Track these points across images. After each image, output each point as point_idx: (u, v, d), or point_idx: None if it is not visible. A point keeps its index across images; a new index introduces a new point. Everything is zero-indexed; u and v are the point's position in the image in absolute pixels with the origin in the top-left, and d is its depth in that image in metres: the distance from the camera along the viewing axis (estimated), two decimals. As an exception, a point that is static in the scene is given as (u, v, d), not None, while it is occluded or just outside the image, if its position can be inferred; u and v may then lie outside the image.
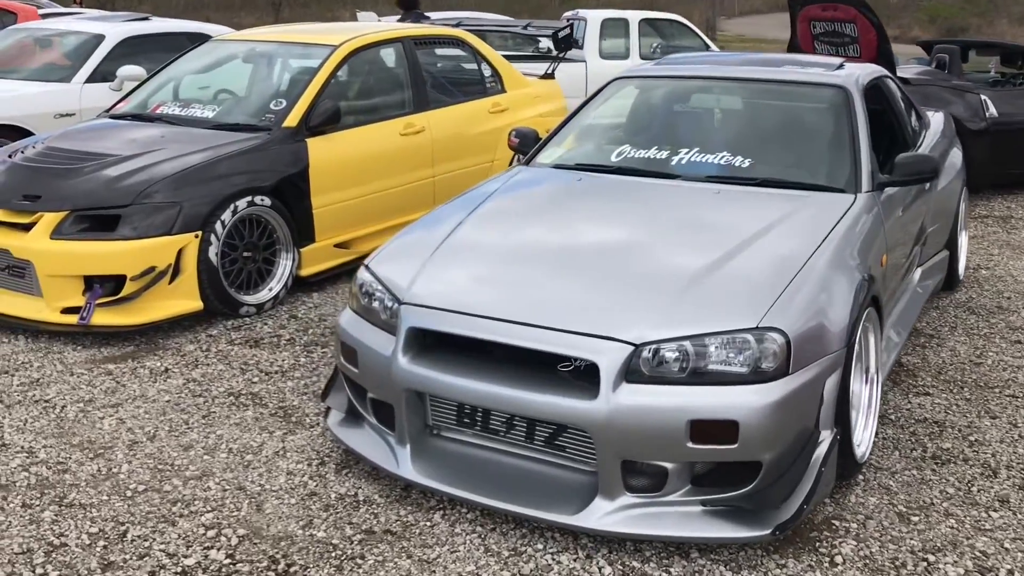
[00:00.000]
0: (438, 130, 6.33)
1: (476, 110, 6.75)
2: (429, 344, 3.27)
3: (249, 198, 5.07)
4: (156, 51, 8.30)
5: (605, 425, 2.88)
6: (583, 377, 3.00)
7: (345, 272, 5.74)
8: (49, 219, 4.72)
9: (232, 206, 4.98)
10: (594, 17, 11.38)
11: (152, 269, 4.70)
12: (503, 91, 7.07)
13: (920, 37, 24.79)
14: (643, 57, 11.43)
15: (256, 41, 6.33)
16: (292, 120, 5.45)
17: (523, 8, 37.58)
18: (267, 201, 5.17)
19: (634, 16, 11.54)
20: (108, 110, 6.12)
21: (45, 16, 13.49)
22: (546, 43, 9.61)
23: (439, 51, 6.82)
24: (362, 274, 3.59)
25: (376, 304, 3.44)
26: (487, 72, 7.02)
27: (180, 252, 4.78)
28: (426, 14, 10.07)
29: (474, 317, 3.15)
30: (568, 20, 12.20)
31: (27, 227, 4.77)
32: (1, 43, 8.24)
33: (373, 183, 5.89)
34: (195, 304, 4.89)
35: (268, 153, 5.27)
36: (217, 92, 6.01)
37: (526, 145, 4.76)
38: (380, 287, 3.46)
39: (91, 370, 4.41)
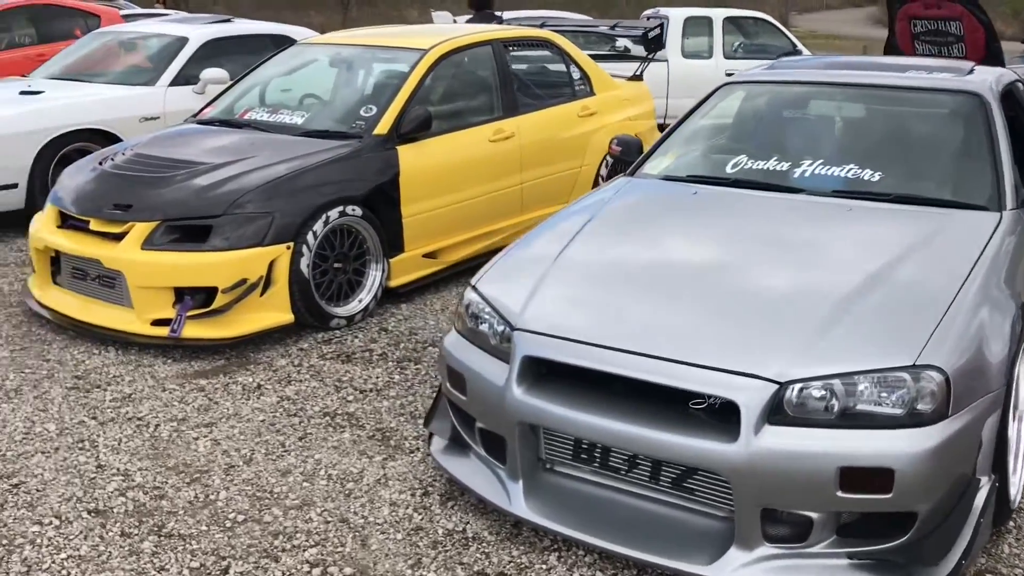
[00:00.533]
0: (527, 135, 6.13)
1: (565, 114, 6.53)
2: (544, 373, 3.07)
3: (341, 208, 4.92)
4: (239, 53, 8.26)
5: (745, 470, 2.65)
6: (717, 416, 2.77)
7: (432, 283, 5.58)
8: (140, 229, 4.62)
9: (324, 216, 4.84)
10: (676, 16, 11.07)
11: (244, 281, 4.58)
12: (592, 94, 6.84)
13: (1004, 32, 23.87)
14: (726, 56, 11.11)
15: (342, 45, 6.19)
16: (383, 127, 5.30)
17: (590, 5, 37.33)
18: (358, 211, 5.02)
19: (718, 14, 11.21)
20: (195, 115, 6.03)
21: (127, 17, 13.69)
22: (623, 43, 9.35)
23: (528, 53, 6.61)
24: (470, 295, 3.39)
25: (485, 328, 3.24)
26: (576, 74, 6.80)
27: (272, 264, 4.65)
28: (498, 14, 9.89)
29: (597, 348, 2.93)
30: (649, 19, 11.93)
31: (118, 237, 4.68)
32: (87, 47, 8.26)
33: (462, 191, 5.71)
34: (286, 317, 4.76)
35: (359, 161, 5.12)
36: (304, 98, 5.89)
37: (629, 154, 4.54)
38: (489, 310, 3.26)
39: (183, 385, 4.30)
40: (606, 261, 3.43)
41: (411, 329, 5.02)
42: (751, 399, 2.68)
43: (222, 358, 4.61)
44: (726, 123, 4.62)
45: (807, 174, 3.90)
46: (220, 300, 4.57)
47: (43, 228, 5.00)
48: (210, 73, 7.57)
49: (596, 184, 6.77)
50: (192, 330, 4.58)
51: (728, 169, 4.08)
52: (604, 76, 7.03)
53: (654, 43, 7.40)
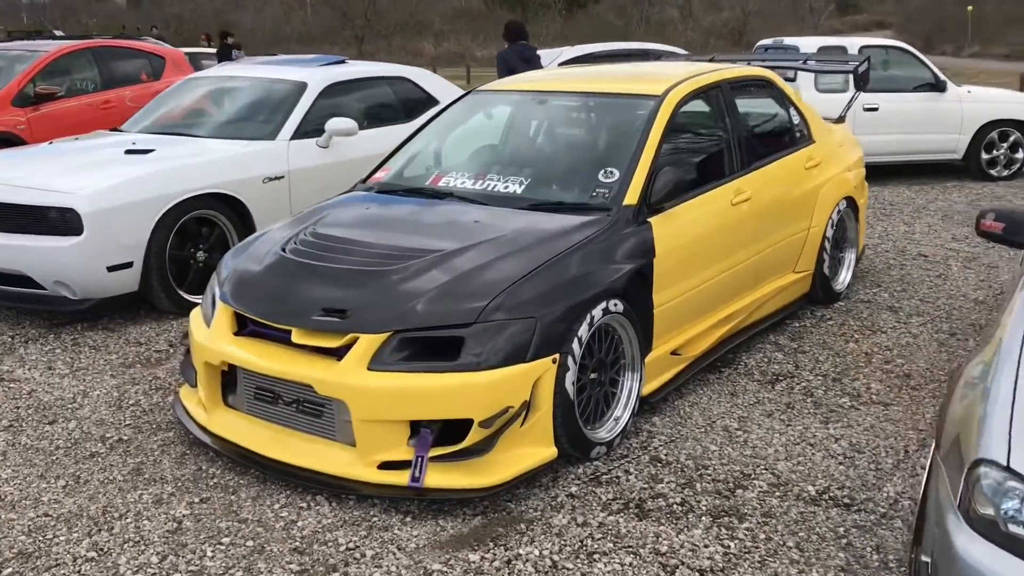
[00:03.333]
0: (762, 195, 5.03)
1: (793, 167, 5.45)
2: None
3: (604, 304, 3.82)
4: (358, 100, 7.22)
5: None
6: None
7: (675, 386, 4.46)
8: (366, 344, 3.50)
9: (588, 316, 3.73)
10: (807, 45, 10.05)
11: (506, 410, 3.46)
12: (811, 140, 5.77)
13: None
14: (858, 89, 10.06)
15: (542, 92, 5.10)
16: (632, 196, 4.20)
17: (600, 34, 36.47)
18: (620, 306, 3.92)
19: (852, 43, 10.18)
20: (364, 181, 4.94)
21: (190, 56, 12.62)
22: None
23: (748, 97, 5.53)
24: (994, 475, 2.26)
25: None
26: (795, 119, 5.73)
27: (535, 384, 3.54)
28: (533, 46, 8.91)
29: None
30: (766, 47, 10.88)
31: (333, 352, 3.57)
32: (186, 94, 7.19)
33: (709, 268, 4.62)
34: (549, 452, 3.63)
35: (614, 242, 4.02)
36: (511, 160, 4.79)
37: (1016, 232, 3.45)
38: None
39: (447, 563, 3.17)
40: None
41: (691, 456, 3.89)
42: None
43: (476, 514, 3.47)
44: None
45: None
46: (474, 436, 3.45)
47: (217, 336, 3.88)
48: (337, 124, 6.52)
49: (822, 249, 5.68)
50: (437, 477, 3.44)
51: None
52: (819, 120, 5.95)
53: (863, 78, 6.34)
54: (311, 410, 3.65)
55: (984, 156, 10.28)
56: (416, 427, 3.50)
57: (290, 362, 3.63)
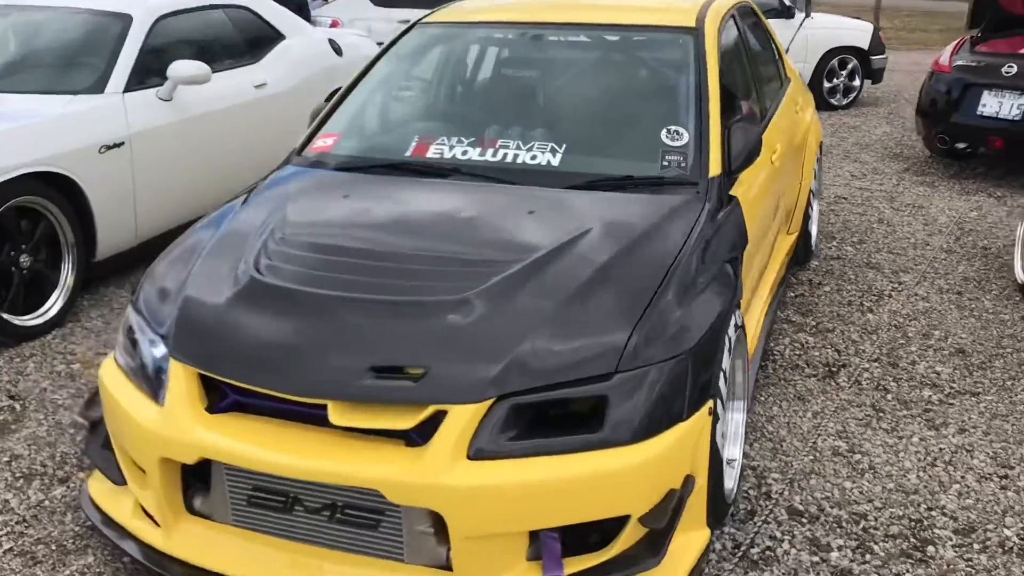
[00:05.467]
0: (782, 149, 4.16)
1: (790, 111, 4.62)
2: None
3: (734, 318, 2.81)
4: (193, 36, 5.60)
5: None
6: None
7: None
8: (460, 419, 2.28)
9: (727, 340, 2.71)
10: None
11: (672, 494, 2.40)
12: (788, 79, 4.98)
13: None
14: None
15: (526, 25, 3.88)
16: (715, 163, 3.17)
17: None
18: (741, 318, 2.93)
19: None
20: (299, 153, 3.56)
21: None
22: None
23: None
24: None
25: None
26: (776, 53, 4.90)
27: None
28: None
29: None
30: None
31: (394, 435, 2.33)
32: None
33: (761, 252, 3.73)
34: (703, 535, 2.58)
35: (717, 229, 2.98)
36: (514, 118, 3.55)
37: None
38: None
39: None
40: None
41: (832, 501, 3.00)
42: None
43: (636, 645, 2.41)
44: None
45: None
46: (630, 538, 2.36)
47: (181, 418, 2.48)
48: (183, 69, 4.96)
49: (808, 204, 4.96)
50: (581, 603, 2.34)
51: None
52: (785, 57, 5.17)
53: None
54: (358, 520, 2.40)
55: (825, 84, 10.09)
56: (534, 535, 2.37)
57: (328, 455, 2.34)
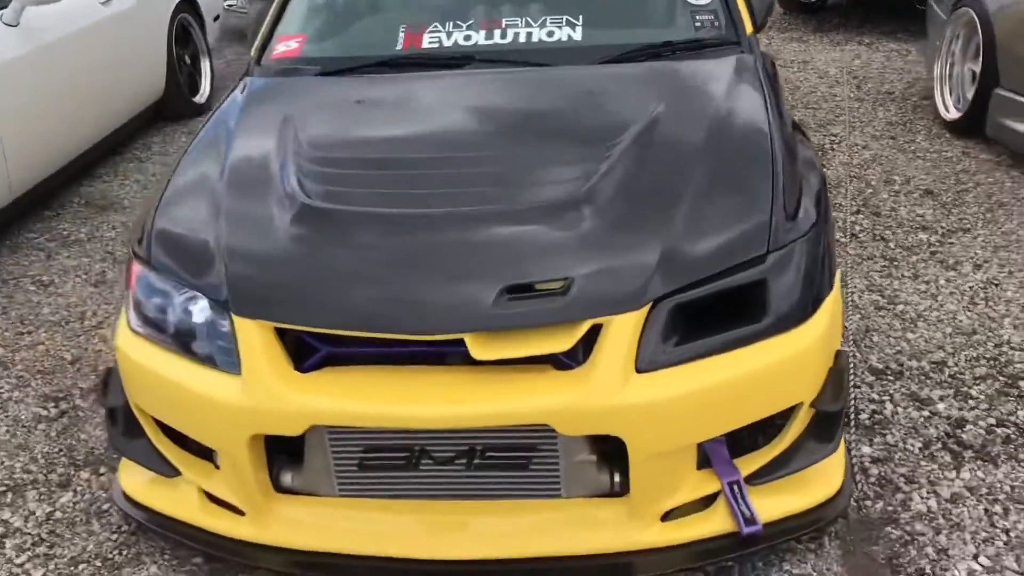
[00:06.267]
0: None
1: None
2: None
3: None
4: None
5: None
6: None
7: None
8: (619, 331, 1.98)
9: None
10: None
11: (836, 372, 2.22)
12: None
13: None
14: None
15: None
16: (747, 19, 2.96)
17: None
18: (812, 178, 2.76)
19: None
20: (258, 63, 3.04)
21: None
22: None
23: None
24: None
25: None
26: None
27: (833, 322, 2.32)
28: None
29: None
30: None
31: (550, 361, 2.02)
32: None
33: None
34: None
35: (772, 84, 2.77)
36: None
37: None
38: None
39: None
40: None
41: (898, 350, 2.96)
42: None
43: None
44: None
45: None
46: (796, 429, 2.18)
47: (275, 384, 2.04)
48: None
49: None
50: (761, 507, 2.15)
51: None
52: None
53: None
54: (505, 462, 2.09)
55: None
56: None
57: (473, 396, 2.00)
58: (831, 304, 2.21)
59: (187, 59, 6.13)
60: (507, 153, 2.38)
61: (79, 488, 2.61)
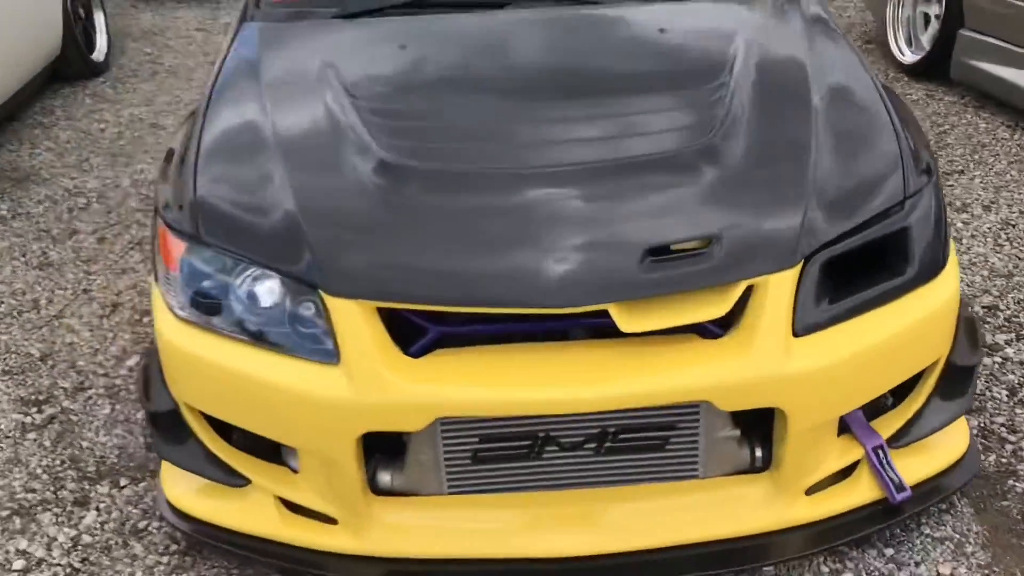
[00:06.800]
0: None
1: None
2: None
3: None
4: None
5: None
6: None
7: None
8: (776, 292, 1.80)
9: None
10: None
11: (967, 321, 2.11)
12: None
13: None
14: None
15: None
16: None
17: None
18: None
19: None
20: (257, 5, 2.67)
21: None
22: None
23: None
24: None
25: None
26: None
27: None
28: None
29: None
30: None
31: (694, 330, 1.82)
32: None
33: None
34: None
35: (823, 16, 2.63)
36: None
37: None
38: None
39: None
40: None
41: None
42: None
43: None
44: None
45: None
46: (928, 386, 2.04)
47: (383, 376, 1.75)
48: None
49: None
50: (907, 470, 2.02)
51: None
52: None
53: None
54: (640, 444, 1.88)
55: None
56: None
57: (621, 373, 1.77)
58: (952, 251, 2.09)
59: (81, 12, 5.53)
60: (598, 99, 2.14)
61: (101, 505, 2.25)
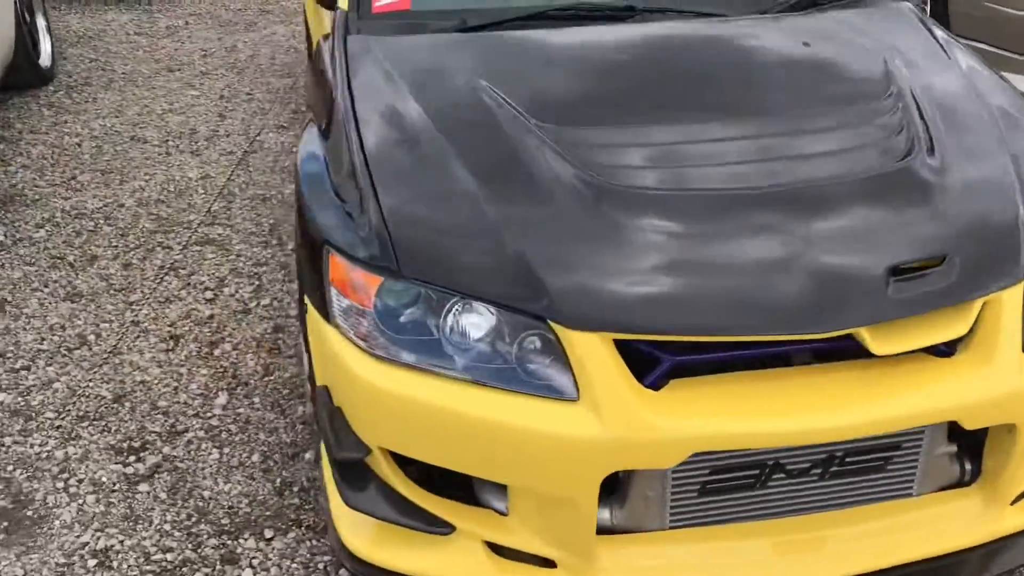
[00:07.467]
0: None
1: None
2: None
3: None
4: None
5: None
6: None
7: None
8: (1011, 305, 1.80)
9: None
10: None
11: None
12: None
13: None
14: None
15: None
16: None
17: None
18: None
19: None
20: (360, 16, 2.50)
21: None
22: None
23: None
24: None
25: None
26: None
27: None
28: None
29: None
30: None
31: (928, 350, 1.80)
32: None
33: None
34: None
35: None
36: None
37: None
38: None
39: None
40: None
41: None
42: None
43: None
44: None
45: None
46: None
47: (631, 412, 1.66)
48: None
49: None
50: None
51: None
52: None
53: None
54: (863, 466, 1.85)
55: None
56: None
57: (869, 397, 1.74)
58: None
59: (26, 16, 5.14)
60: (779, 116, 2.10)
61: (255, 561, 2.07)
